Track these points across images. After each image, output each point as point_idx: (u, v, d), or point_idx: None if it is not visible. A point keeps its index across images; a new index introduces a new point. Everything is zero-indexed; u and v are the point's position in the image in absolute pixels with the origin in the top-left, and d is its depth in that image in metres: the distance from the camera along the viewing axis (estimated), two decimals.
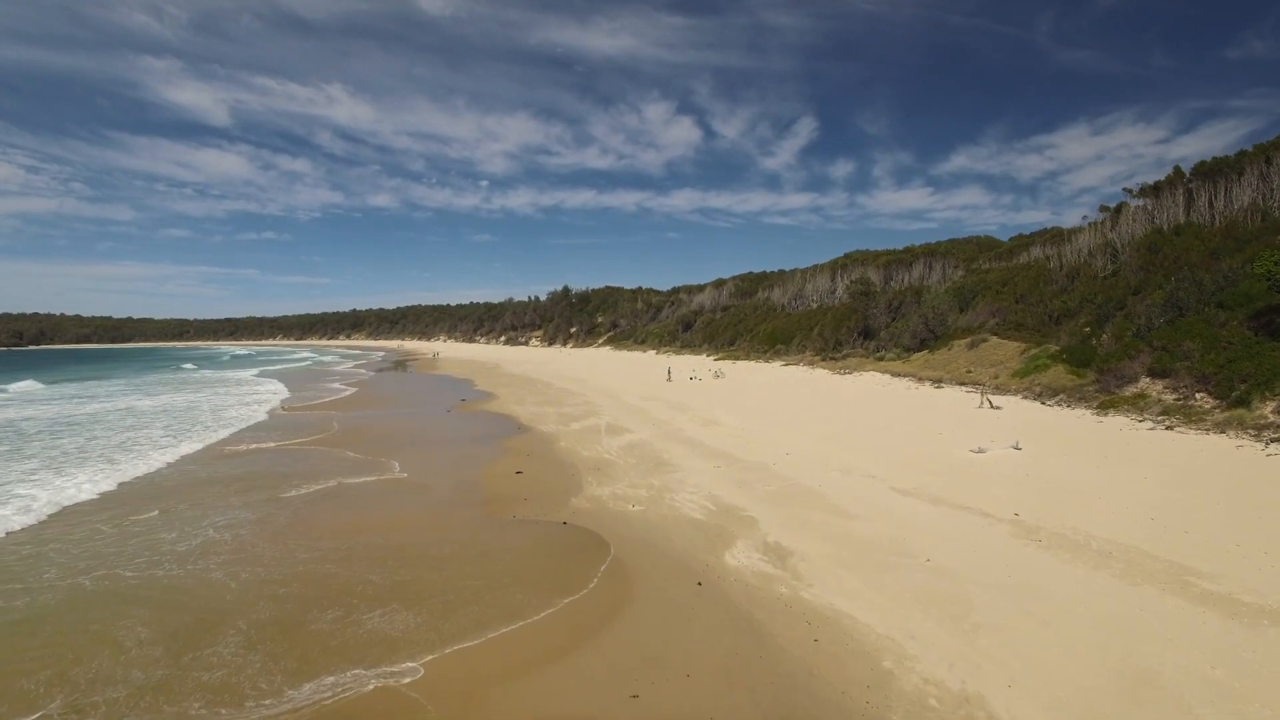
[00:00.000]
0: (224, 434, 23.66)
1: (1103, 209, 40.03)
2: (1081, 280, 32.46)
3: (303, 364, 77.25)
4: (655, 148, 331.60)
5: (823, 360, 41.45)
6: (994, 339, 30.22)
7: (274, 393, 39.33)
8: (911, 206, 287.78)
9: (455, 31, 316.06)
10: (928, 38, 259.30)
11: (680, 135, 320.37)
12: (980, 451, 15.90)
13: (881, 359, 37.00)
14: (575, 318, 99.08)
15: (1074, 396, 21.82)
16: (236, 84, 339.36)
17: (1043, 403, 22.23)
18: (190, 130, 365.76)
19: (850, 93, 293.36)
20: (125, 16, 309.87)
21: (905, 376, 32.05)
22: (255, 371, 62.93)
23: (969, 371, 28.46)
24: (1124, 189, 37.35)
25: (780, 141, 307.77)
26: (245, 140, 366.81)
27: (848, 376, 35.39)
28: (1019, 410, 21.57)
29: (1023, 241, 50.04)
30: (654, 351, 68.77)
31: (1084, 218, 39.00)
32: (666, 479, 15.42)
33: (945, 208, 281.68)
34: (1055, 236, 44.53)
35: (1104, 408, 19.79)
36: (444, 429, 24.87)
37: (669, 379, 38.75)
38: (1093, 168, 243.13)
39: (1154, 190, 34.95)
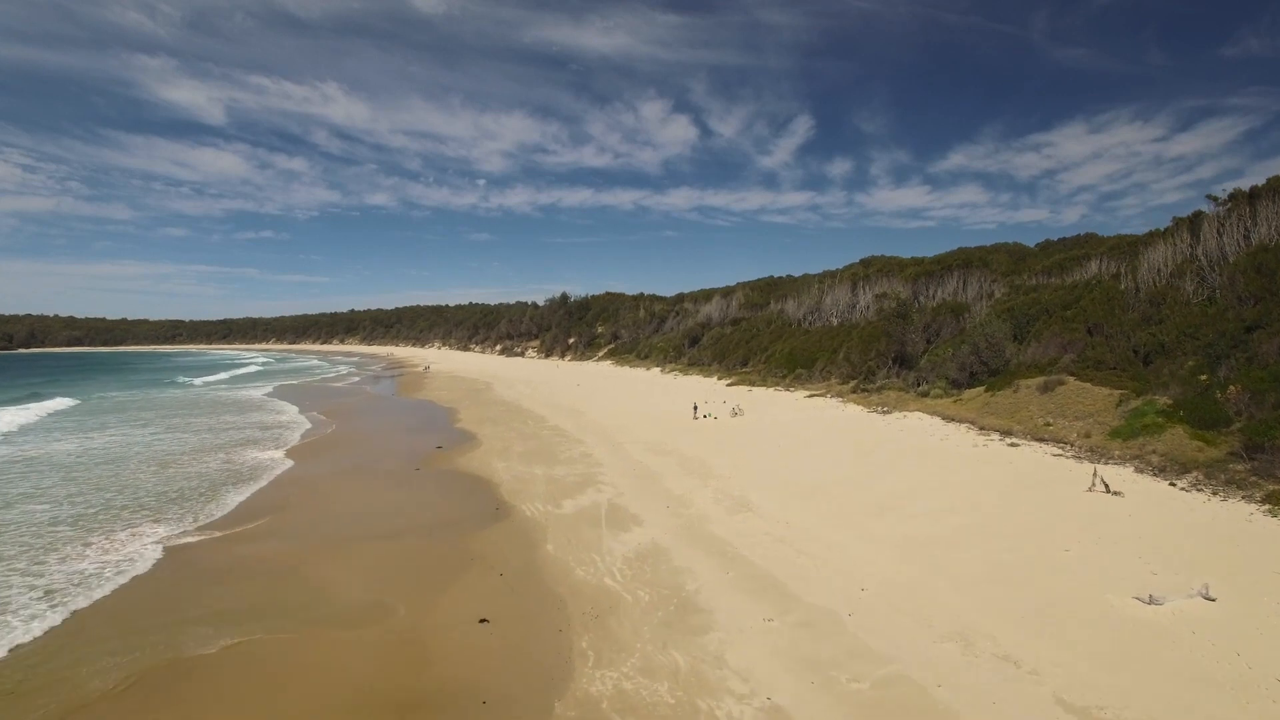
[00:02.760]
0: (139, 516, 18.61)
1: (1176, 220, 35.01)
2: (1170, 308, 27.41)
3: (295, 381, 72.18)
4: (652, 146, 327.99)
5: (853, 393, 36.42)
6: (1072, 381, 25.17)
7: (261, 427, 34.28)
8: (910, 205, 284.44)
9: (449, 30, 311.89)
10: (923, 36, 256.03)
11: (677, 134, 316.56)
12: (1154, 602, 10.88)
13: (925, 395, 31.97)
14: (574, 328, 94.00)
15: (1215, 477, 16.78)
16: (231, 82, 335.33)
17: (1171, 483, 17.19)
18: (186, 129, 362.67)
19: (846, 91, 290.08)
20: (118, 15, 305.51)
21: (962, 422, 27.01)
22: (267, 389, 58.11)
23: (1047, 424, 23.43)
24: (1207, 195, 32.26)
25: (777, 140, 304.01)
26: (241, 139, 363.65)
27: (888, 417, 30.34)
28: (1145, 496, 16.53)
29: (1072, 253, 44.97)
30: (658, 369, 63.76)
31: (1172, 229, 33.84)
32: (698, 653, 10.40)
33: (943, 206, 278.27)
34: (1116, 249, 39.50)
35: (1275, 502, 14.76)
36: (405, 504, 19.87)
37: (695, 416, 33.67)
38: (1090, 166, 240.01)
39: (1248, 197, 29.90)
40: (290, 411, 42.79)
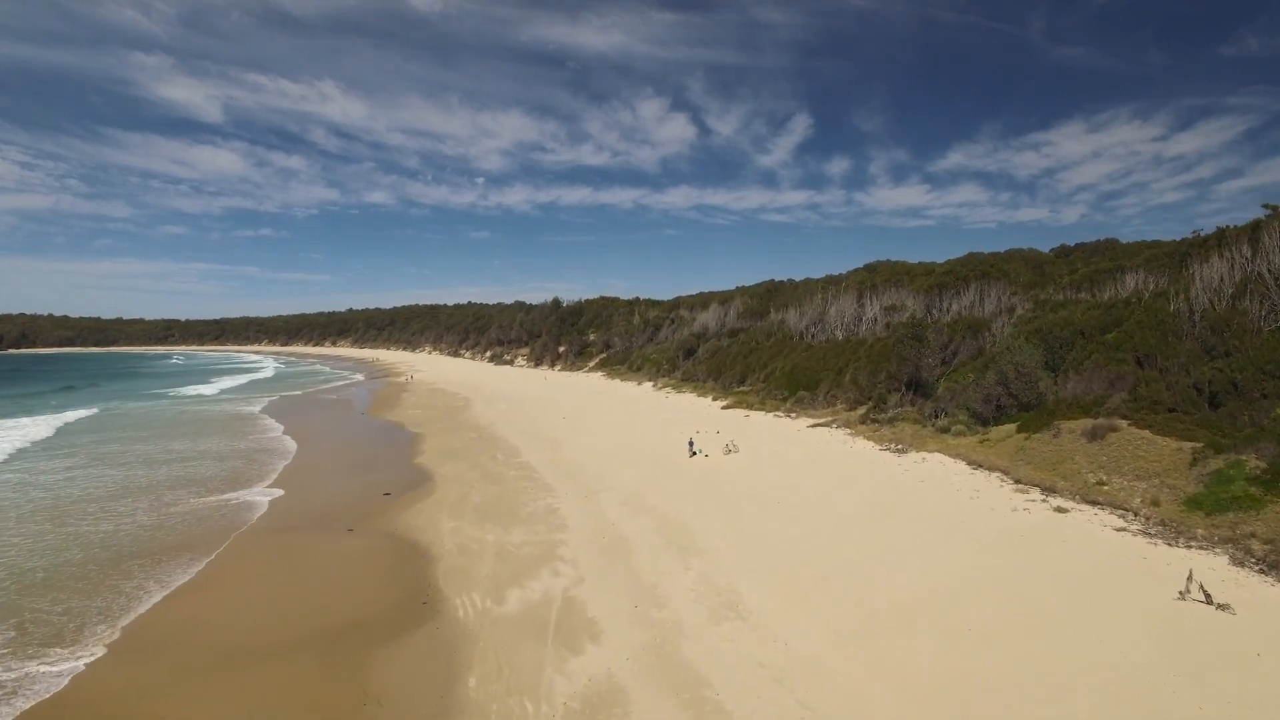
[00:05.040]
0: None
1: (1224, 229, 31.05)
2: (1236, 336, 23.46)
3: (282, 394, 68.39)
4: (650, 145, 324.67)
5: (862, 423, 32.50)
6: (1127, 427, 21.24)
7: (217, 457, 30.29)
8: (909, 204, 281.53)
9: (445, 28, 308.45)
10: (921, 35, 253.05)
11: (675, 132, 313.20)
12: None
13: (945, 431, 28.03)
14: (565, 335, 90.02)
15: None
16: (228, 80, 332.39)
17: None
18: (183, 127, 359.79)
19: (844, 90, 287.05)
20: (113, 12, 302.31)
21: (992, 471, 23.12)
22: (251, 404, 54.11)
23: (1100, 484, 19.50)
24: (1264, 205, 28.33)
25: (775, 139, 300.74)
26: (239, 137, 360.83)
27: (904, 458, 26.44)
28: (1263, 612, 12.57)
29: (1100, 265, 40.99)
30: (650, 383, 59.86)
31: (1222, 239, 29.90)
32: None
33: (943, 205, 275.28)
34: (1154, 260, 35.57)
35: None
36: (317, 591, 16.06)
37: (691, 453, 29.69)
38: (1090, 165, 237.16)
39: None
40: (256, 436, 38.91)
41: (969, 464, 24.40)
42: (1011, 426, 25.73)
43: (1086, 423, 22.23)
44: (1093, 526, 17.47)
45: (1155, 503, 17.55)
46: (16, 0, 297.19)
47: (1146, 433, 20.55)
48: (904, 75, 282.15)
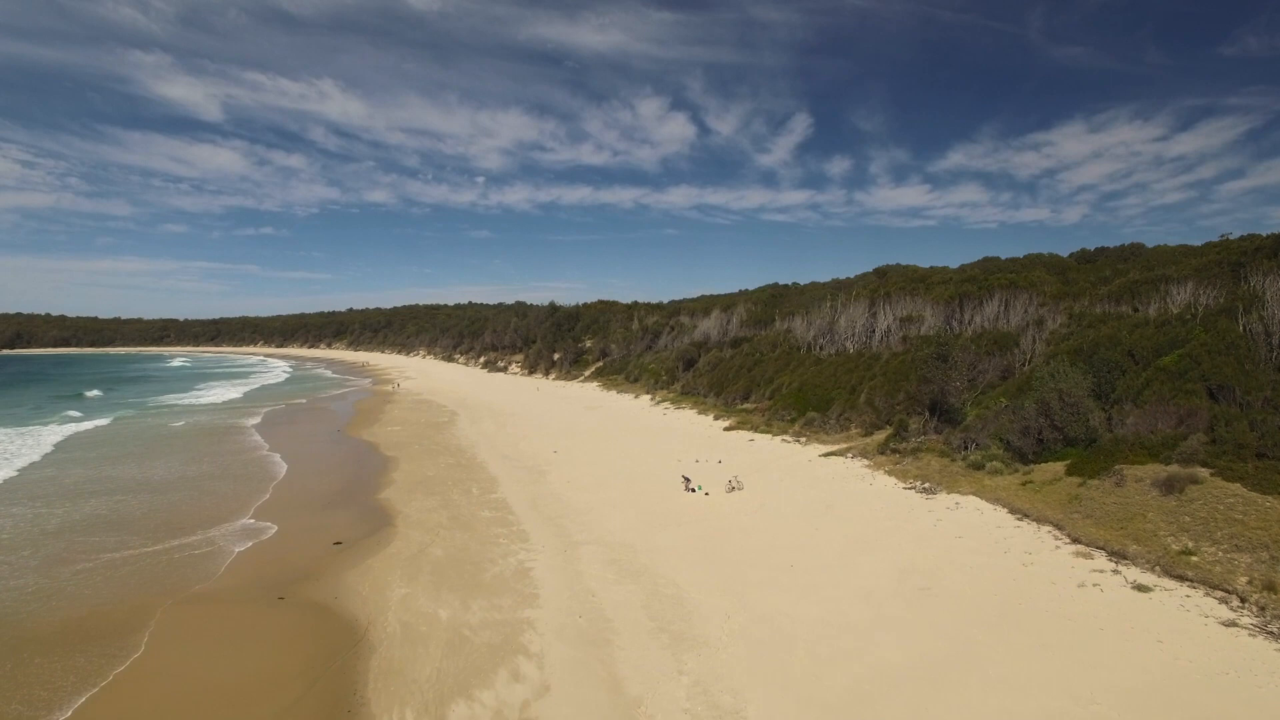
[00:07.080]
0: None
1: None
2: None
3: (270, 407, 65.01)
4: (650, 144, 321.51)
5: (881, 453, 29.00)
6: (1211, 478, 17.73)
7: (156, 490, 26.84)
8: (910, 204, 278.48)
9: (443, 27, 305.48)
10: (920, 34, 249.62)
11: (674, 131, 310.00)
12: None
13: (979, 468, 24.53)
14: (561, 341, 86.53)
15: None
16: (227, 79, 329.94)
17: None
18: (183, 125, 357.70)
19: (844, 89, 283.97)
20: (111, 10, 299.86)
21: (1042, 523, 19.62)
22: (234, 417, 50.63)
23: (1185, 552, 15.99)
24: None
25: (775, 138, 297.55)
26: (239, 135, 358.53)
27: (933, 502, 22.97)
28: None
29: (1134, 270, 37.41)
30: (648, 396, 56.36)
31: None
32: None
33: (943, 205, 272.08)
34: (1203, 270, 32.01)
35: None
36: (206, 704, 12.55)
37: (686, 487, 26.42)
38: (1090, 165, 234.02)
39: None
40: (219, 453, 35.48)
41: (1012, 512, 20.90)
42: (1059, 466, 22.24)
43: (1158, 470, 18.72)
44: (1190, 616, 13.97)
45: (1270, 587, 14.04)
46: None
47: (1238, 486, 17.05)
48: (903, 74, 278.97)
